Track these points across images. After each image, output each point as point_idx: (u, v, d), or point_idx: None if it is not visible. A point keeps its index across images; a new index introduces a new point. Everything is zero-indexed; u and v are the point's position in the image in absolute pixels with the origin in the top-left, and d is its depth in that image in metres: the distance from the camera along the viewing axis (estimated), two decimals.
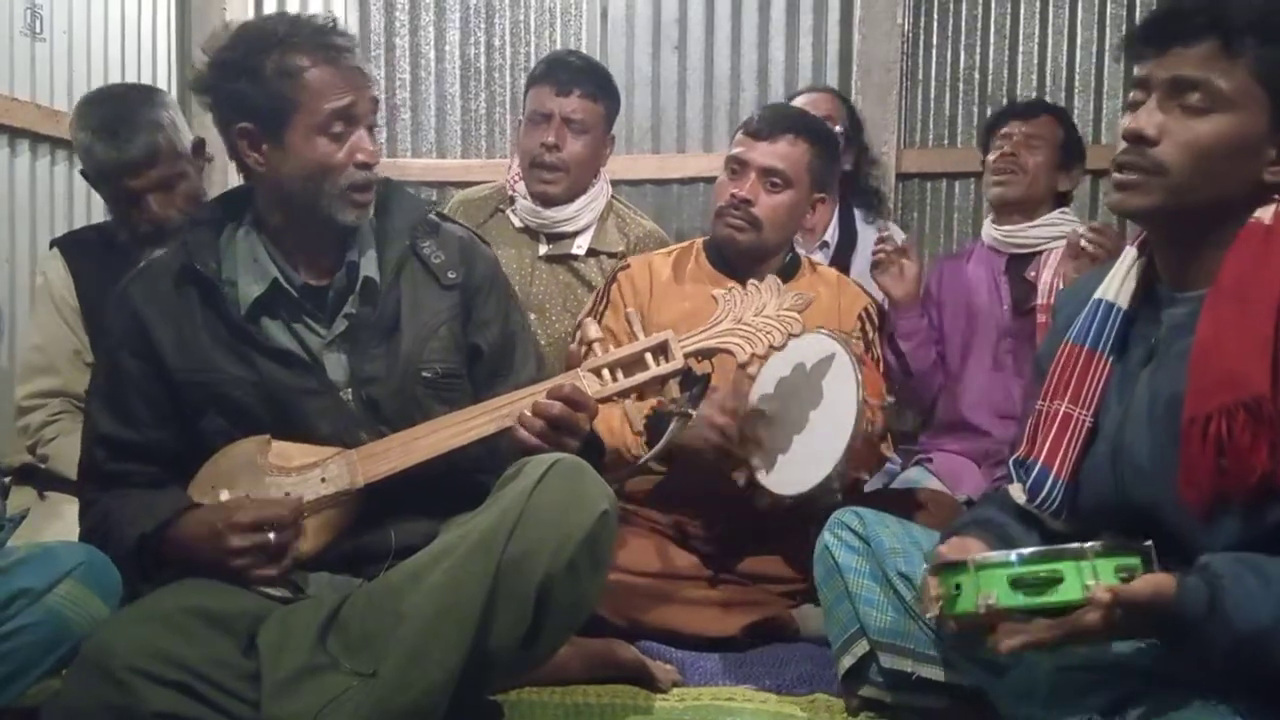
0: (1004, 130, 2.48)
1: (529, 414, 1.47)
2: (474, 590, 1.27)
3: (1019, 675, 1.33)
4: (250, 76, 1.48)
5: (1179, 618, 1.11)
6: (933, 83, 3.27)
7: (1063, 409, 1.35)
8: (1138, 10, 3.07)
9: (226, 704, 1.30)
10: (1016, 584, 1.15)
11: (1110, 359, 1.34)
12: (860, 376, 1.73)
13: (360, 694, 1.28)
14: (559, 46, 3.27)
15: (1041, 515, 1.37)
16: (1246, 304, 1.21)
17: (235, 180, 1.63)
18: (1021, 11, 3.20)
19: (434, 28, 3.43)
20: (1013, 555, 1.17)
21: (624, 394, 1.56)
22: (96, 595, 1.39)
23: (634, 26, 3.36)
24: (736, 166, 2.07)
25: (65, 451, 2.06)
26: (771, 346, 1.58)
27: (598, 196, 2.50)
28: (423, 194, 3.29)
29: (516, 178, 2.51)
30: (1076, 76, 3.16)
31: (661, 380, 1.58)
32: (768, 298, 1.60)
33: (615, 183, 2.70)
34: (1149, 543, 1.15)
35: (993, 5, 3.22)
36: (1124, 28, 3.07)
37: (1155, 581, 1.11)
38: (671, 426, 1.70)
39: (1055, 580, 1.13)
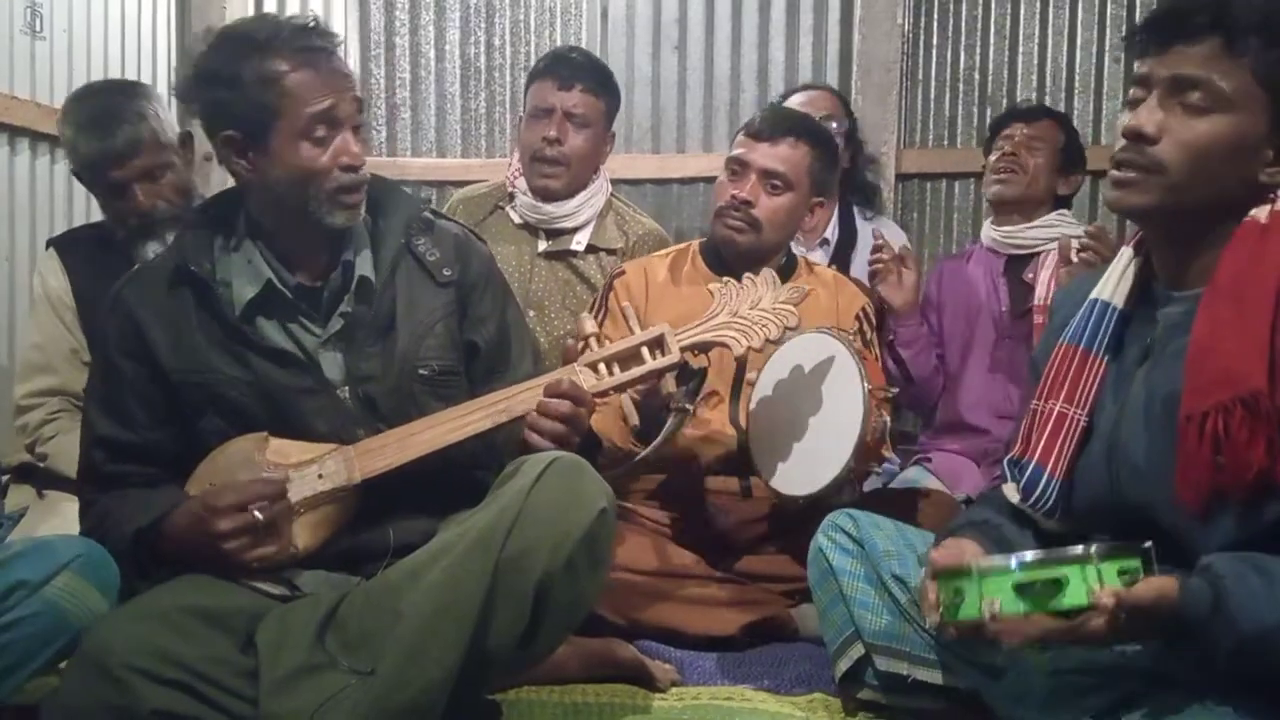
0: (1005, 131, 2.50)
1: (540, 417, 1.47)
2: (472, 588, 1.27)
3: (1015, 678, 1.33)
4: (230, 85, 1.47)
5: (1183, 619, 1.11)
6: (933, 83, 3.27)
7: (1057, 408, 1.35)
8: (1138, 10, 3.07)
9: (225, 702, 1.30)
10: (1020, 589, 1.14)
11: (1105, 358, 1.34)
12: (864, 370, 1.73)
13: (358, 692, 1.28)
14: (559, 46, 3.27)
15: (1035, 515, 1.37)
16: (1243, 302, 1.21)
17: (234, 181, 1.63)
18: (1022, 12, 3.20)
19: (434, 27, 3.43)
20: (1014, 561, 1.16)
21: (620, 388, 1.56)
22: (94, 587, 1.39)
23: (634, 26, 3.36)
24: (737, 167, 2.07)
25: (64, 450, 2.06)
26: (768, 340, 1.58)
27: (597, 193, 2.51)
28: (422, 193, 3.30)
29: (516, 174, 2.51)
30: (1076, 77, 3.16)
31: (658, 374, 1.57)
32: (763, 291, 1.60)
33: (615, 182, 2.70)
34: (1148, 544, 1.14)
35: (993, 6, 3.22)
36: (1124, 28, 3.07)
37: (1159, 584, 1.11)
38: (669, 422, 1.70)
39: (1059, 584, 1.13)
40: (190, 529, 1.43)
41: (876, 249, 2.38)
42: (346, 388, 1.54)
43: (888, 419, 1.78)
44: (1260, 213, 1.25)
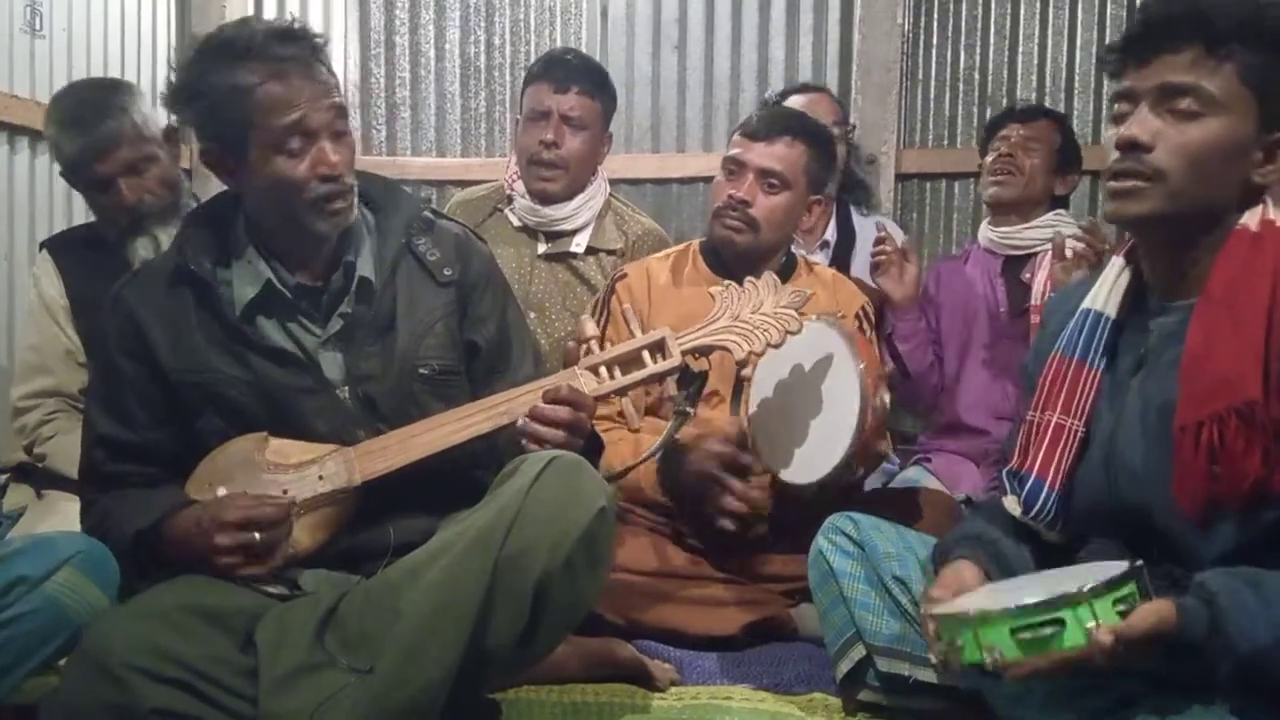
0: (1002, 132, 2.50)
1: (540, 426, 1.47)
2: (471, 587, 1.27)
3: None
4: (203, 99, 1.47)
5: (1182, 642, 1.11)
6: (933, 83, 3.28)
7: (1054, 420, 1.35)
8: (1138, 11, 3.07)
9: (224, 701, 1.30)
10: (1018, 636, 1.14)
11: (1100, 368, 1.35)
12: (856, 349, 1.73)
13: (357, 691, 1.27)
14: (559, 45, 3.27)
15: (1037, 527, 1.37)
16: (1236, 311, 1.22)
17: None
18: (1021, 12, 3.21)
19: (434, 26, 3.43)
20: (1011, 607, 1.15)
21: (621, 391, 1.55)
22: (94, 583, 1.39)
23: (634, 26, 3.36)
24: (734, 167, 2.07)
25: (62, 449, 2.06)
26: (769, 344, 1.57)
27: (596, 194, 2.50)
28: (422, 193, 3.30)
29: (515, 177, 2.51)
30: (1076, 77, 3.17)
31: (659, 377, 1.57)
32: (765, 295, 1.60)
33: (615, 182, 2.70)
34: (1139, 562, 1.15)
35: (993, 5, 3.22)
36: (1125, 28, 3.07)
37: (1156, 611, 1.11)
38: (670, 425, 1.70)
39: (1056, 628, 1.12)
40: (189, 535, 1.43)
41: (879, 241, 2.38)
42: (346, 388, 1.54)
43: (887, 397, 1.78)
44: (1251, 220, 1.26)
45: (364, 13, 3.44)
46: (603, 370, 1.55)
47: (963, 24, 3.24)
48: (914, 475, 2.47)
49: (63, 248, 2.21)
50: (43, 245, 2.26)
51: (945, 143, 3.28)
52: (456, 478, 1.53)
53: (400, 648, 1.27)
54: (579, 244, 2.47)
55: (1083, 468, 1.35)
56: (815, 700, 1.62)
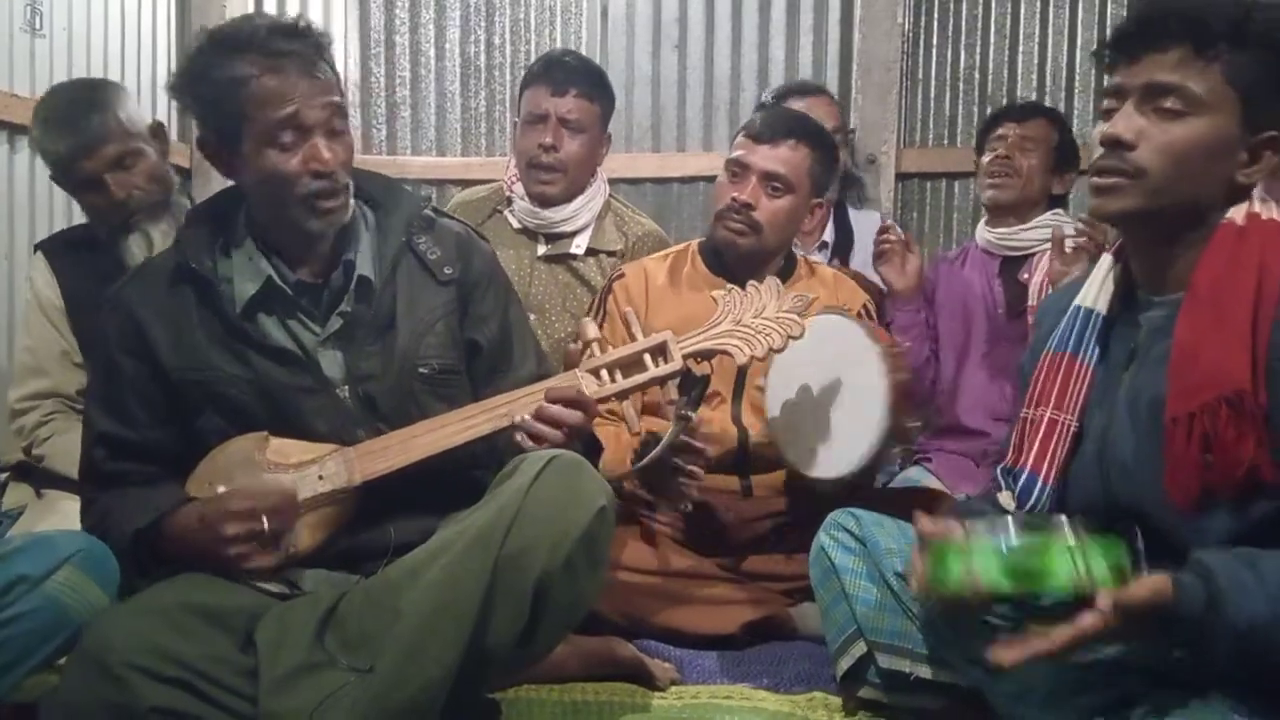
0: (998, 132, 2.47)
1: (541, 425, 1.47)
2: (471, 587, 1.27)
3: (1016, 675, 1.33)
4: (204, 88, 1.48)
5: (1178, 617, 1.11)
6: (933, 82, 3.28)
7: (1047, 415, 1.37)
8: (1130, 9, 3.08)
9: (224, 700, 1.30)
10: (1006, 568, 1.16)
11: (1091, 363, 1.36)
12: (871, 332, 1.74)
13: (357, 690, 1.27)
14: (559, 45, 3.28)
15: None
16: (1222, 304, 1.23)
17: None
18: (1022, 11, 3.21)
19: (434, 25, 3.43)
20: (1001, 539, 1.17)
21: (622, 395, 1.55)
22: (95, 582, 1.39)
23: (634, 25, 3.36)
24: (737, 170, 2.06)
25: (61, 449, 2.06)
26: (771, 348, 1.57)
27: (595, 196, 2.50)
28: (422, 192, 3.29)
29: (514, 178, 2.51)
30: (1076, 77, 3.17)
31: (660, 381, 1.57)
32: (767, 299, 1.59)
33: (615, 182, 2.70)
34: (1133, 527, 1.17)
35: (993, 5, 3.23)
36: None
37: (1153, 583, 1.12)
38: (671, 429, 1.70)
39: (1045, 566, 1.14)
40: (196, 529, 1.43)
41: (884, 229, 2.37)
42: (346, 387, 1.54)
43: (905, 373, 1.78)
44: (1237, 214, 1.27)
45: (364, 12, 3.44)
46: (604, 373, 1.54)
47: (963, 23, 3.25)
48: (914, 475, 2.47)
49: (57, 249, 2.21)
50: (37, 247, 2.26)
51: (945, 142, 3.28)
52: (456, 478, 1.53)
53: (400, 647, 1.27)
54: (579, 245, 2.47)
55: (1076, 463, 1.36)
56: (815, 699, 1.62)
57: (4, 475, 2.22)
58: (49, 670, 1.43)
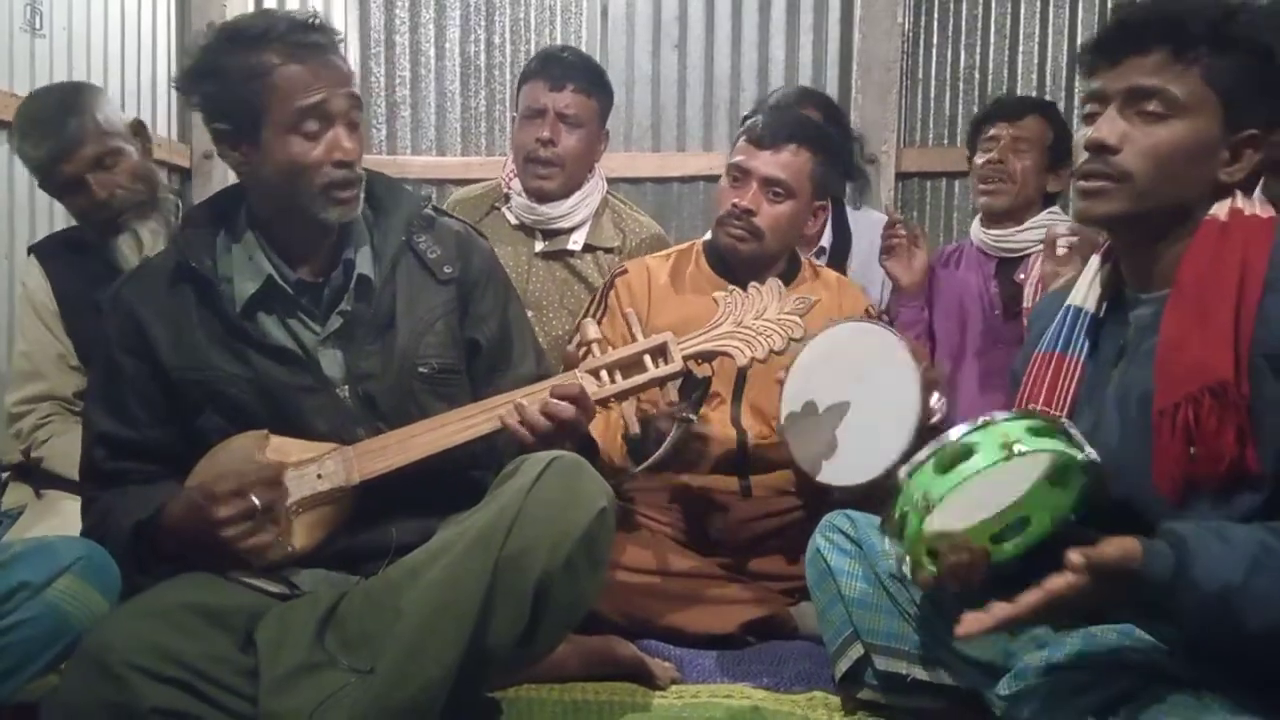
0: (990, 133, 2.42)
1: (537, 414, 1.46)
2: (472, 587, 1.27)
3: (1013, 677, 1.33)
4: (221, 78, 1.48)
5: (1147, 580, 1.13)
6: (933, 82, 3.28)
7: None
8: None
9: (224, 700, 1.30)
10: (937, 467, 1.19)
11: (1080, 361, 1.38)
12: (910, 346, 1.72)
13: (358, 690, 1.28)
14: (560, 44, 3.27)
15: None
16: (1206, 299, 1.25)
17: (234, 179, 1.63)
18: (1022, 11, 3.21)
19: (434, 25, 3.43)
20: (926, 450, 1.21)
21: (622, 396, 1.55)
22: (96, 590, 1.39)
23: (634, 24, 3.36)
24: (738, 175, 2.05)
25: (60, 451, 2.07)
26: (771, 350, 1.57)
27: (593, 192, 2.50)
28: (423, 191, 3.29)
29: (511, 175, 2.51)
30: (1076, 76, 3.16)
31: (660, 382, 1.57)
32: (769, 301, 1.59)
33: (615, 181, 2.70)
34: (1066, 420, 1.22)
35: (993, 4, 3.23)
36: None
37: (1122, 543, 1.14)
38: (672, 432, 1.70)
39: (971, 447, 1.17)
40: (188, 516, 1.43)
41: (891, 224, 2.35)
42: (346, 386, 1.54)
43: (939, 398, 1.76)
44: (1220, 210, 1.30)
45: (364, 11, 3.44)
46: (603, 374, 1.54)
47: (963, 23, 3.25)
48: None
49: (49, 252, 2.21)
50: (30, 250, 2.26)
51: (945, 142, 3.28)
52: (455, 478, 1.53)
53: (400, 647, 1.27)
54: (576, 242, 2.47)
55: None
56: (815, 698, 1.62)
57: (4, 475, 2.22)
58: (50, 671, 1.43)
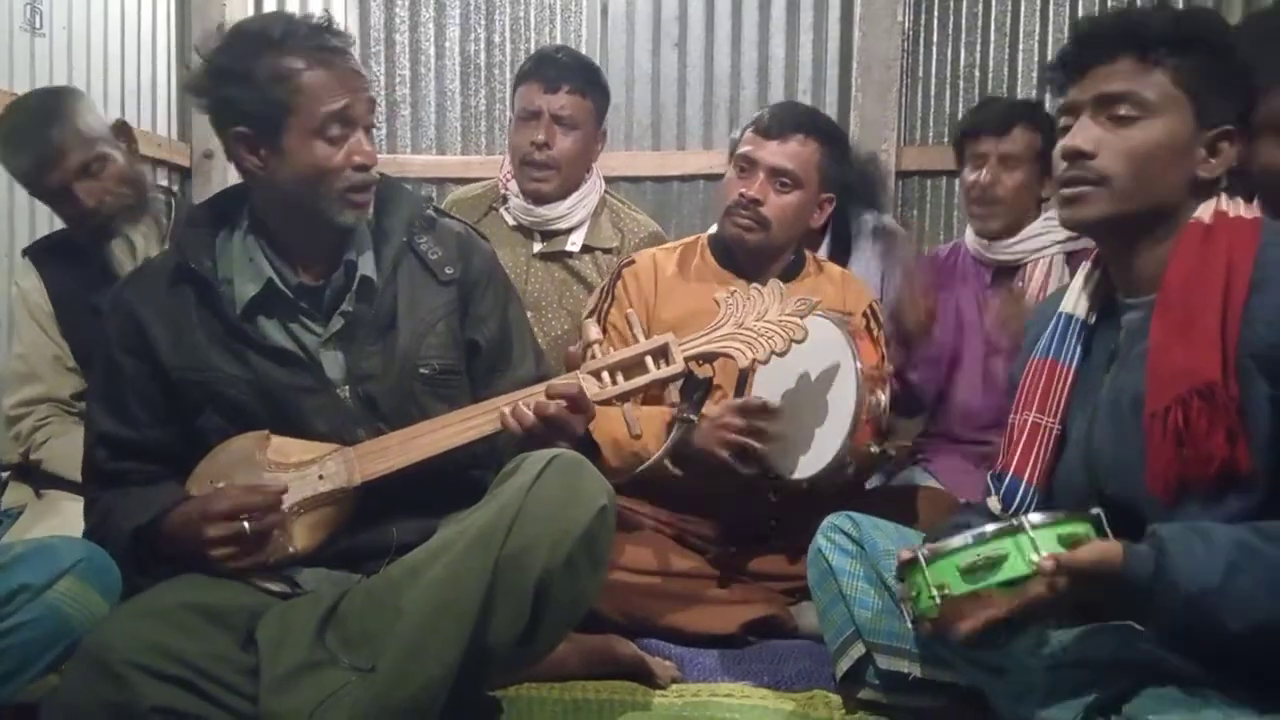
0: (979, 149, 2.33)
1: (524, 408, 1.47)
2: (472, 586, 1.27)
3: (1015, 675, 1.34)
4: (244, 81, 1.47)
5: (1126, 582, 1.14)
6: (933, 80, 3.28)
7: (1030, 419, 1.41)
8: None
9: (225, 699, 1.30)
10: (965, 570, 1.18)
11: (1073, 367, 1.40)
12: (855, 348, 1.73)
13: (358, 689, 1.28)
14: (559, 43, 3.27)
15: None
16: (1192, 302, 1.26)
17: (235, 179, 1.63)
18: (1022, 9, 3.21)
19: (434, 24, 3.43)
20: (955, 541, 1.20)
21: (623, 397, 1.54)
22: (96, 592, 1.39)
23: (634, 23, 3.36)
24: (745, 165, 2.05)
25: (58, 452, 2.07)
26: (773, 352, 1.57)
27: (590, 193, 2.49)
28: (423, 191, 3.30)
29: (508, 176, 2.51)
30: None
31: (662, 383, 1.57)
32: (770, 302, 1.59)
33: (615, 180, 2.69)
34: (1098, 510, 1.20)
35: (993, 3, 3.22)
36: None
37: (1102, 548, 1.15)
38: (674, 432, 1.70)
39: (1000, 559, 1.17)
40: (182, 531, 1.44)
41: (911, 280, 2.25)
42: (347, 387, 1.54)
43: (883, 398, 1.77)
44: (1205, 212, 1.31)
45: (364, 10, 3.44)
46: (605, 375, 1.54)
47: (963, 21, 3.24)
48: (914, 476, 2.44)
49: (44, 254, 2.21)
50: (24, 252, 2.26)
51: (946, 140, 3.27)
52: (456, 478, 1.53)
53: (401, 646, 1.27)
54: (574, 243, 2.46)
55: (1063, 467, 1.39)
56: (815, 697, 1.62)
57: (4, 475, 2.22)
58: (50, 671, 1.43)
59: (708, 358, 1.59)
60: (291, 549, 1.47)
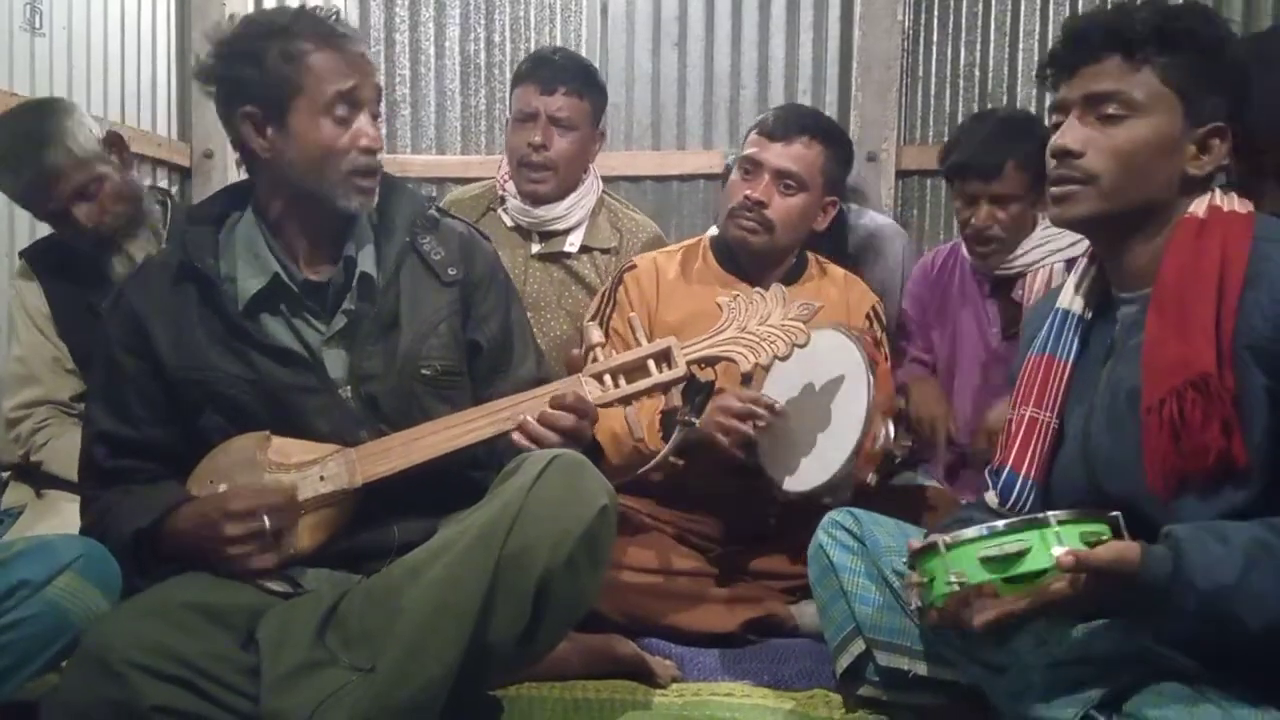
0: (968, 191, 2.24)
1: (537, 424, 1.47)
2: (473, 585, 1.27)
3: (1015, 672, 1.34)
4: (253, 61, 1.49)
5: (1144, 582, 1.14)
6: (933, 80, 3.27)
7: (1028, 414, 1.42)
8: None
9: (225, 698, 1.30)
10: (986, 560, 1.19)
11: (1069, 362, 1.41)
12: (873, 379, 1.72)
13: (359, 689, 1.28)
14: (559, 43, 3.27)
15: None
16: (1187, 295, 1.27)
17: (235, 178, 1.63)
18: (1022, 8, 3.20)
19: (434, 24, 3.43)
20: (983, 529, 1.21)
21: (625, 401, 1.55)
22: (96, 588, 1.39)
23: (634, 23, 3.36)
24: (750, 167, 2.05)
25: (58, 452, 2.07)
26: (775, 356, 1.57)
27: (588, 193, 2.49)
28: (423, 190, 3.30)
29: (506, 177, 2.51)
30: None
31: (664, 387, 1.57)
32: (772, 306, 1.59)
33: (615, 179, 2.69)
34: (1116, 513, 1.20)
35: (993, 2, 3.22)
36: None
37: (1120, 547, 1.16)
38: (675, 435, 1.70)
39: (1023, 551, 1.17)
40: (197, 529, 1.44)
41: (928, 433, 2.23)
42: (349, 387, 1.54)
43: (891, 430, 1.77)
44: (1199, 207, 1.32)
45: (364, 10, 3.44)
46: (607, 378, 1.54)
47: (963, 21, 3.24)
48: (914, 476, 2.44)
49: (41, 256, 2.21)
50: (21, 254, 2.26)
51: (946, 139, 3.27)
52: (456, 479, 1.53)
53: (402, 645, 1.27)
54: (572, 243, 2.46)
55: (1061, 462, 1.40)
56: (816, 696, 1.62)
57: (5, 474, 2.22)
58: (50, 670, 1.43)
59: (710, 361, 1.59)
60: (292, 549, 1.47)
